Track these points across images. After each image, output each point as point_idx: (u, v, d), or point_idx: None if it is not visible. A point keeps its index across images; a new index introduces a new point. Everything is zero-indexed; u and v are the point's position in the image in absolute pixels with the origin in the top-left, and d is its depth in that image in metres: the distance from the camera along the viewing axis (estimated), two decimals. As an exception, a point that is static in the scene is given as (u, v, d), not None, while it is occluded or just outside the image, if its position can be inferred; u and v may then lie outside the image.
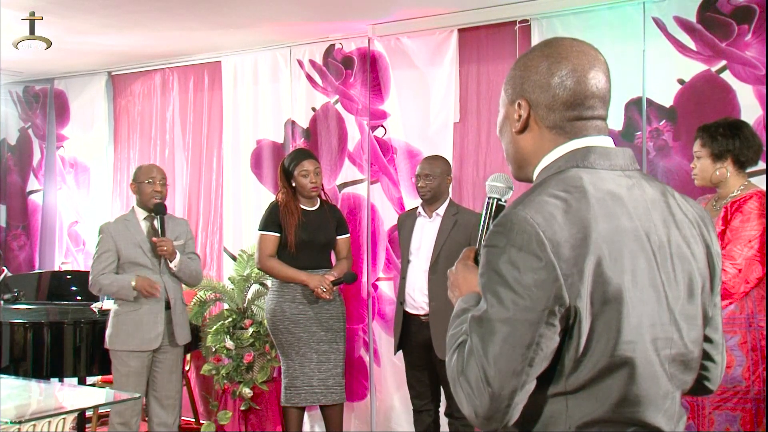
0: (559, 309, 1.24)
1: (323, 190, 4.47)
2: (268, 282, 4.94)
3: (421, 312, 4.00)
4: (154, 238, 4.06)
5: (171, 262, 4.09)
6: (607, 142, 1.40)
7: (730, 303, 3.14)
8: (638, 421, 1.30)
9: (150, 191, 4.10)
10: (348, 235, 4.43)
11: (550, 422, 1.30)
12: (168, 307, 4.10)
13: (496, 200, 1.57)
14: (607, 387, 1.28)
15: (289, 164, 4.27)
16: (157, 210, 4.09)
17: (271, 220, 4.25)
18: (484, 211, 1.58)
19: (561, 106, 1.39)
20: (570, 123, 1.39)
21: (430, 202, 4.05)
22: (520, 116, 1.42)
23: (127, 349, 4.05)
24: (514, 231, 1.25)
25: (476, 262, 1.50)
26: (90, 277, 4.10)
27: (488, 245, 1.29)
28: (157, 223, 4.09)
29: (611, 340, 1.26)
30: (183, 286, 4.34)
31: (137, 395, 3.74)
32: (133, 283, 4.00)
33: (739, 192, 3.23)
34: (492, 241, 1.29)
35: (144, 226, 4.14)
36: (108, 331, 4.12)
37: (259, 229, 4.29)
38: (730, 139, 3.22)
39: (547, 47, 1.42)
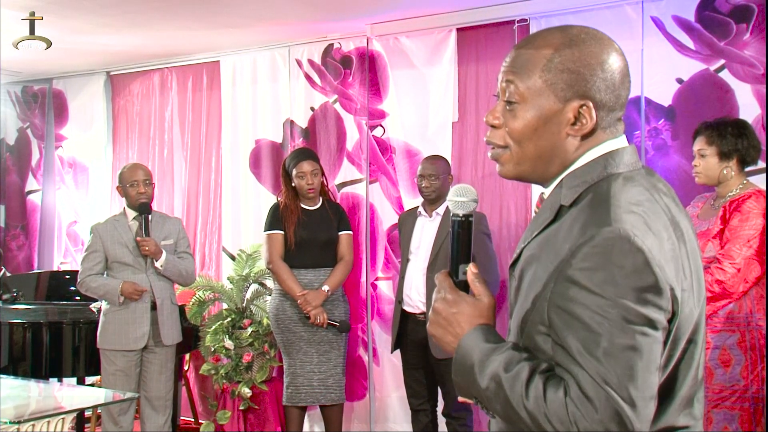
0: (669, 324, 1.20)
1: (327, 187, 4.48)
2: (267, 282, 4.94)
3: (418, 311, 4.00)
4: (138, 238, 4.08)
5: (156, 261, 4.10)
6: (625, 141, 1.36)
7: (729, 302, 3.15)
8: (666, 427, 1.28)
9: (134, 194, 4.14)
10: (349, 232, 4.43)
11: None
12: (154, 307, 4.11)
13: (467, 218, 1.39)
14: (666, 392, 1.26)
15: (288, 165, 4.32)
16: (141, 210, 4.12)
17: (275, 219, 4.30)
18: (454, 232, 1.39)
19: (620, 107, 1.31)
20: (618, 122, 1.33)
21: (433, 201, 4.06)
22: (578, 118, 1.28)
23: (113, 348, 4.08)
24: (620, 251, 1.16)
25: (456, 285, 1.36)
26: (78, 276, 4.16)
27: (586, 269, 1.17)
28: (141, 223, 4.11)
29: (681, 348, 1.25)
30: (177, 286, 4.34)
31: (135, 395, 3.75)
32: (120, 289, 4.03)
33: (737, 191, 3.22)
34: (592, 265, 1.17)
35: (132, 226, 4.16)
36: (98, 331, 4.15)
37: (265, 230, 4.33)
38: (738, 138, 3.21)
39: (600, 41, 1.29)
